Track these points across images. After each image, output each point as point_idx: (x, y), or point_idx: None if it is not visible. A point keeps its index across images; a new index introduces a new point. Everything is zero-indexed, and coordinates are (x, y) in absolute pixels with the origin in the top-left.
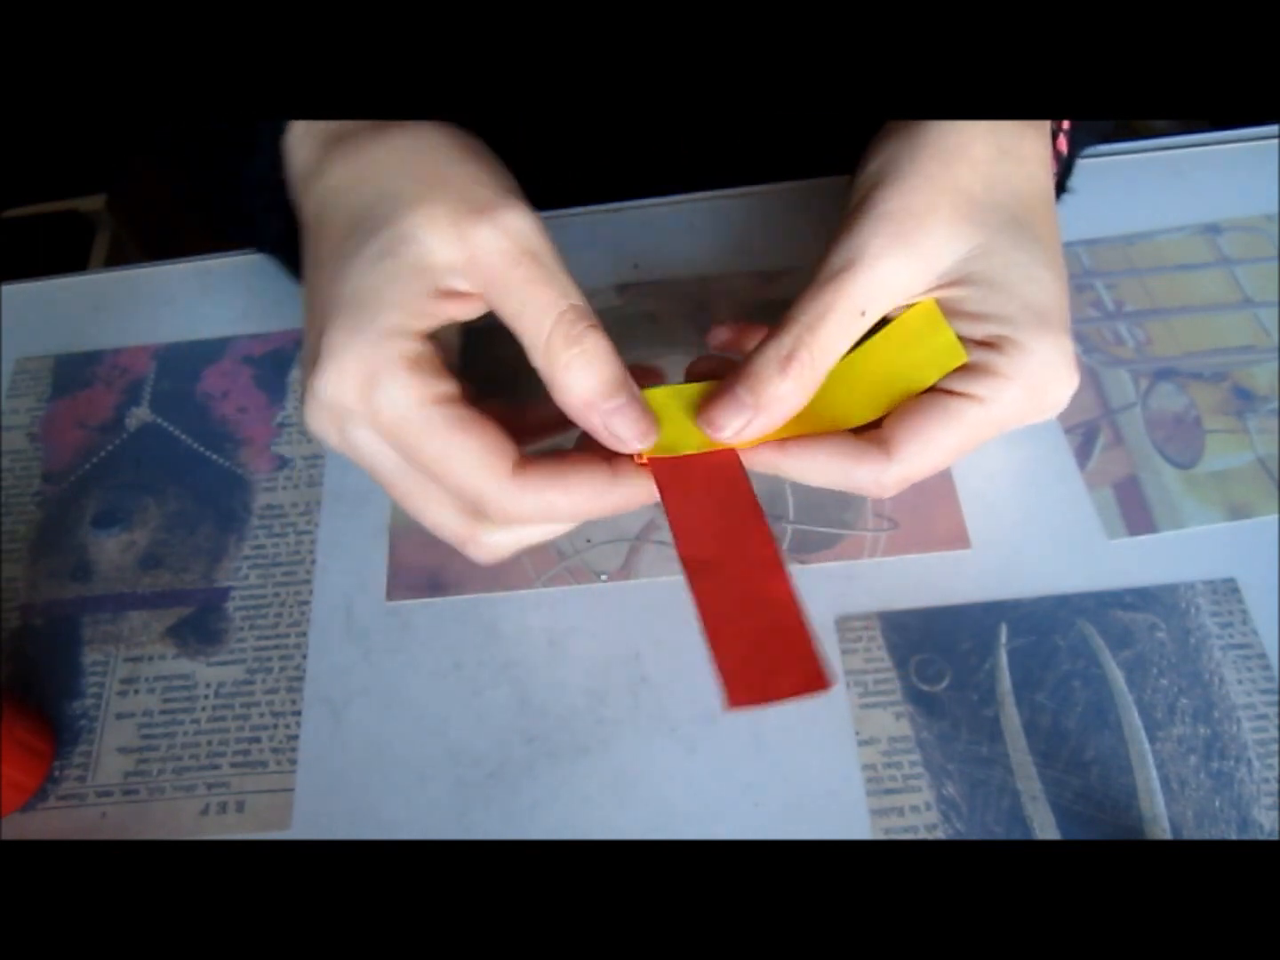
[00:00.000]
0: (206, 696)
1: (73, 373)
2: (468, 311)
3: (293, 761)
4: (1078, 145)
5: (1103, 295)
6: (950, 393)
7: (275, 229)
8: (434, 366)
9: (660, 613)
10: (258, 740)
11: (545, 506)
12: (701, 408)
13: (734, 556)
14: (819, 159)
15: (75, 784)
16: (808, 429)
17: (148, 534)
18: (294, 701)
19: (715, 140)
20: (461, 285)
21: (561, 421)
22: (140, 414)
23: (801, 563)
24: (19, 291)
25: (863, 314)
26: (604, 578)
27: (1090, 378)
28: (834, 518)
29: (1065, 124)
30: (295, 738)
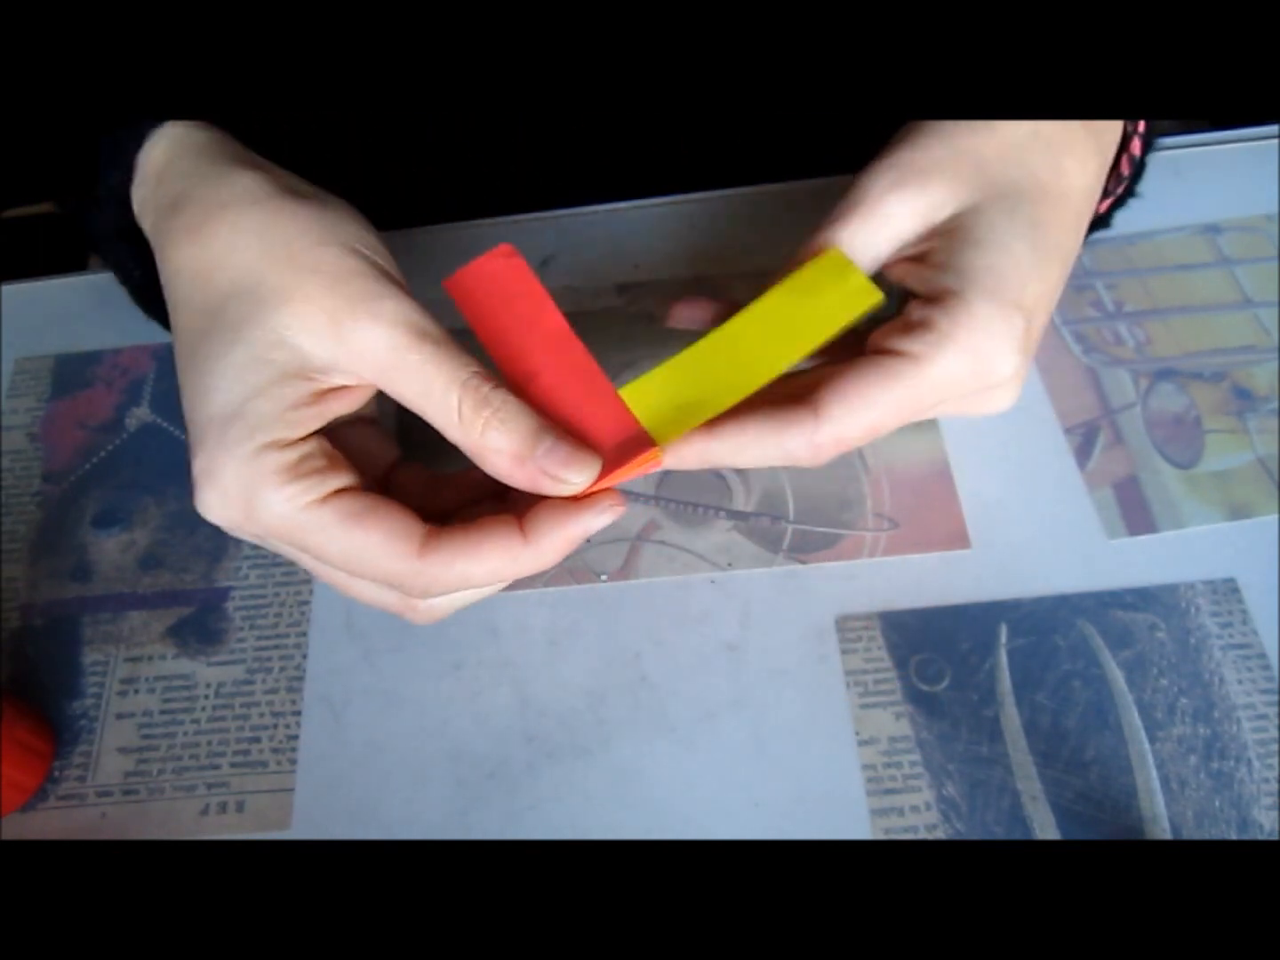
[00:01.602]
0: (206, 696)
1: (73, 373)
2: (352, 403)
3: (293, 761)
4: (1150, 148)
5: (1103, 295)
6: (886, 351)
7: (135, 280)
8: (320, 465)
9: (660, 613)
10: (258, 740)
11: (460, 578)
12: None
13: (553, 366)
14: (819, 159)
15: (75, 784)
16: (733, 397)
17: (148, 534)
18: (294, 701)
19: (715, 140)
20: (344, 380)
21: (482, 487)
22: (140, 414)
23: (801, 563)
24: (19, 291)
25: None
26: (604, 578)
27: (1090, 378)
28: (834, 518)
29: (1141, 126)
30: (295, 738)
